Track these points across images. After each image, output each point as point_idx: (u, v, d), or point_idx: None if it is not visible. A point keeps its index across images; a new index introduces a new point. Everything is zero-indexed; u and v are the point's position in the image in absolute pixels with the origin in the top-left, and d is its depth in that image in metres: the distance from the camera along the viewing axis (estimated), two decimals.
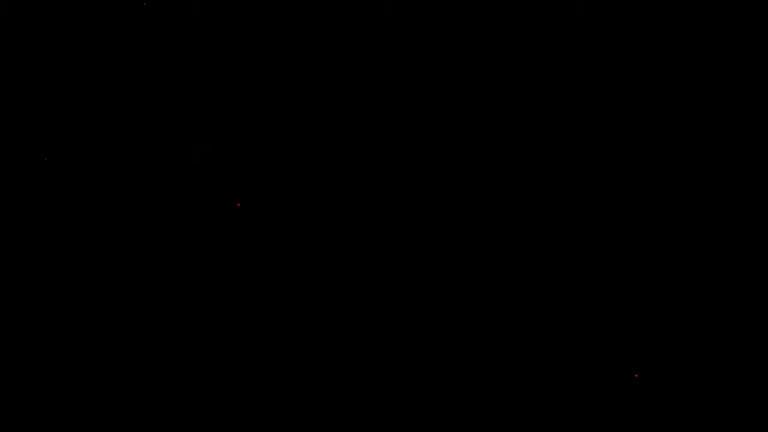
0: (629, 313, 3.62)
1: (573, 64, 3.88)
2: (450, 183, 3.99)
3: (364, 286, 3.88)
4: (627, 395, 3.52)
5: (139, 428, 3.58)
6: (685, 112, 3.73)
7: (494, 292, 3.75)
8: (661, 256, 3.69)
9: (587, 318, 3.62)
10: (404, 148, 4.00)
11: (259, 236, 3.69)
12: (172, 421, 3.66)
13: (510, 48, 3.94)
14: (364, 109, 4.07)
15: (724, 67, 3.71)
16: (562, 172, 3.85)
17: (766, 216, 3.61)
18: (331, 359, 3.72)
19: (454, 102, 4.03)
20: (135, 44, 4.10)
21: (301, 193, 3.99)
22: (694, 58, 3.73)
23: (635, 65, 3.81)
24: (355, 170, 4.03)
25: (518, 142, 3.91)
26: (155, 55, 4.10)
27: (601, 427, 3.47)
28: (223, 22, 4.12)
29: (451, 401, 3.66)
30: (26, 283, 4.02)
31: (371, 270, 3.85)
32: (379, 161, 4.05)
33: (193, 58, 4.06)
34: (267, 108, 4.03)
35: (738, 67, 3.72)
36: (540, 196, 3.84)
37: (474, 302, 3.76)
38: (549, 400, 3.55)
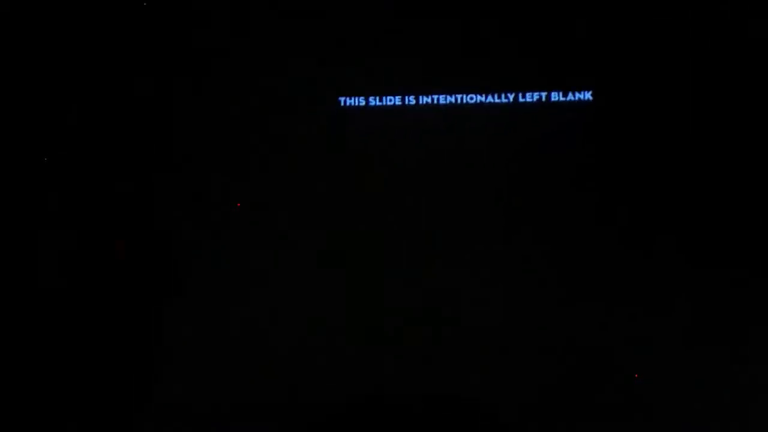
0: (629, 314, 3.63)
1: None
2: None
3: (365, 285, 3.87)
4: (627, 395, 3.53)
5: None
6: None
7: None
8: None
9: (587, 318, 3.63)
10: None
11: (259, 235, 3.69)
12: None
13: None
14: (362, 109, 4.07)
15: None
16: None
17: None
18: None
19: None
20: (135, 43, 4.10)
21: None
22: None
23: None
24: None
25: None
26: (155, 54, 4.09)
27: (600, 426, 3.49)
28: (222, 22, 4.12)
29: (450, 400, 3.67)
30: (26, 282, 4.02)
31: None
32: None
33: (193, 58, 4.06)
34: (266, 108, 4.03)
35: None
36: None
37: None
38: (549, 399, 3.57)
